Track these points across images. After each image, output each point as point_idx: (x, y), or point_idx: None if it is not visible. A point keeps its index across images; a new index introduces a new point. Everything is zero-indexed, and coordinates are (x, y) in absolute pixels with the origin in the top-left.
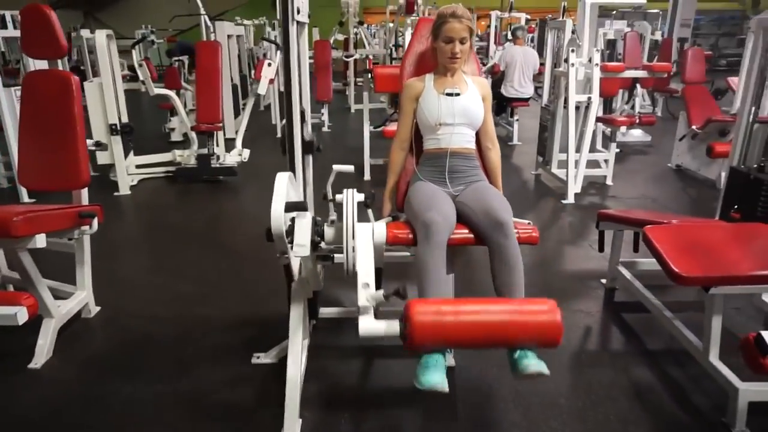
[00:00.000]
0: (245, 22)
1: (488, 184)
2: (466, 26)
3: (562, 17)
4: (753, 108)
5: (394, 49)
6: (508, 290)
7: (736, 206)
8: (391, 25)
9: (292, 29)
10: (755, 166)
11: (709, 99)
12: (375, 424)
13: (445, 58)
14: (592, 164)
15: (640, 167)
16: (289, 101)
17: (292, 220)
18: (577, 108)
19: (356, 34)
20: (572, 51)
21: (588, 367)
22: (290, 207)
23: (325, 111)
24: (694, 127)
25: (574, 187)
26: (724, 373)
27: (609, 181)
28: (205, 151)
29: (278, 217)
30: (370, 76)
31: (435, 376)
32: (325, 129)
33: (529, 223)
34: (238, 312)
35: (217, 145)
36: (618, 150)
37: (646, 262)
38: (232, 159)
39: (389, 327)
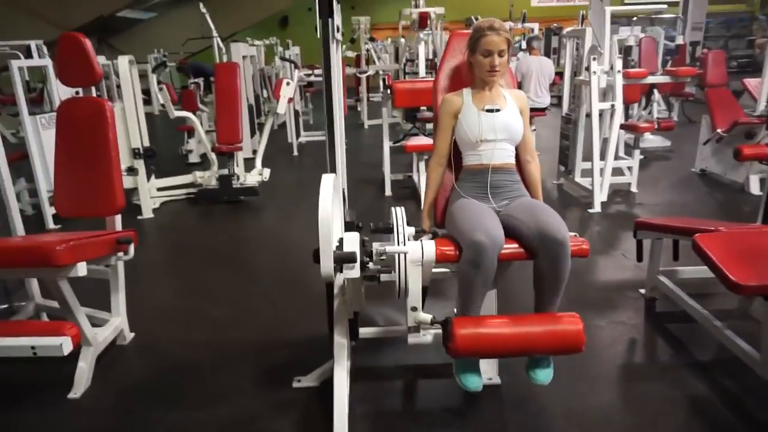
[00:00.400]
0: (256, 42)
1: (534, 199)
2: (504, 38)
3: (581, 25)
4: None
5: (406, 63)
6: (550, 304)
7: None
8: (403, 40)
9: (333, 48)
10: None
11: (732, 101)
12: None
13: (484, 72)
14: (616, 172)
15: (663, 173)
16: (330, 119)
17: (340, 240)
18: (600, 116)
19: (368, 50)
20: (594, 59)
21: (639, 381)
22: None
23: None
24: (719, 130)
25: (600, 196)
26: None
27: (634, 188)
28: (225, 171)
29: (327, 235)
30: (389, 91)
31: (473, 379)
32: None
33: (575, 235)
34: (273, 335)
35: (237, 166)
36: (642, 156)
37: (687, 270)
38: (252, 179)
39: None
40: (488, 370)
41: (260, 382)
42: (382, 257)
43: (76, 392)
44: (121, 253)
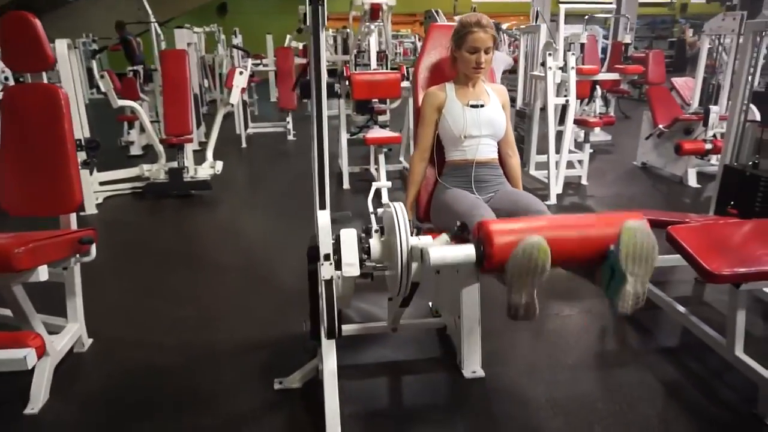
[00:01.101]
0: (195, 29)
1: (517, 189)
2: (490, 36)
3: (535, 22)
4: (744, 109)
5: (357, 55)
6: None
7: (732, 203)
8: (349, 30)
9: (323, 38)
10: (750, 163)
11: (671, 98)
12: None
13: (469, 68)
14: (567, 165)
15: (608, 166)
16: (319, 110)
17: (336, 237)
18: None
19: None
20: (549, 54)
21: (614, 368)
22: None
23: (290, 119)
24: (660, 126)
25: (556, 189)
26: (753, 366)
27: (584, 181)
28: (175, 164)
29: (328, 234)
30: (347, 83)
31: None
32: (291, 138)
33: None
34: (247, 335)
35: (187, 158)
36: (592, 150)
37: None
38: (204, 172)
39: (465, 252)
40: (472, 364)
41: (239, 385)
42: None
43: (34, 407)
44: (83, 255)
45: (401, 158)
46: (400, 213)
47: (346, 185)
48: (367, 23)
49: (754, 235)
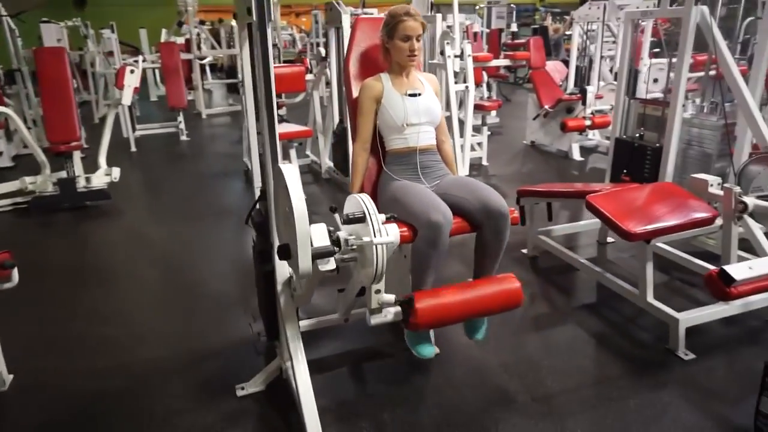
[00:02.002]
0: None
1: (464, 177)
2: (420, 23)
3: (430, 12)
4: (628, 88)
5: None
6: (492, 269)
7: (625, 170)
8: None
9: (269, 31)
10: (637, 135)
11: (552, 81)
12: (398, 426)
13: (404, 57)
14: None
15: (502, 147)
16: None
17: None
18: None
19: (198, 34)
20: (447, 44)
21: (549, 328)
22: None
23: (181, 119)
24: (546, 106)
25: (464, 170)
26: (664, 309)
27: (485, 162)
28: (63, 174)
29: (305, 230)
30: None
31: (428, 348)
32: (184, 138)
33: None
34: (189, 347)
35: (76, 167)
36: (489, 133)
37: (557, 229)
38: (100, 180)
39: (395, 316)
40: None
41: (198, 398)
42: (353, 247)
43: None
44: (5, 281)
45: (308, 152)
46: (370, 206)
47: (257, 183)
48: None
49: (654, 197)
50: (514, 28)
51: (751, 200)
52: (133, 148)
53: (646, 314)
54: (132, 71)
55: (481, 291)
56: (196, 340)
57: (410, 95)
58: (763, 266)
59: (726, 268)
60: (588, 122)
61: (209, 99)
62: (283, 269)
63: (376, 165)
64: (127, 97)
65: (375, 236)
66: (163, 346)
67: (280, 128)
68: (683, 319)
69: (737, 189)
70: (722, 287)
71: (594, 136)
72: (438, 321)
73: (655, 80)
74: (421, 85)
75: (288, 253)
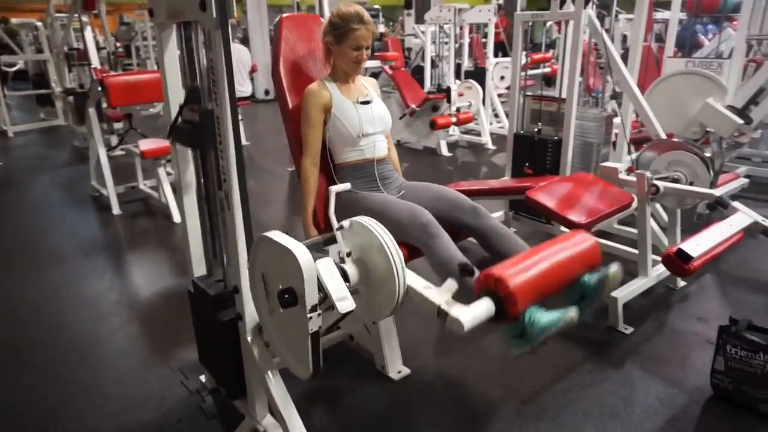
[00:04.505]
0: None
1: (421, 183)
2: (371, 32)
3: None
4: (521, 86)
5: (69, 52)
6: (521, 245)
7: (527, 164)
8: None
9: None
10: (536, 130)
11: (413, 81)
12: None
13: (350, 64)
14: None
15: None
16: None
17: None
18: None
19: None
20: None
21: (500, 327)
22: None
23: None
24: (413, 105)
25: None
26: None
27: None
28: None
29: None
30: (99, 87)
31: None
32: None
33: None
34: (116, 425)
35: None
36: None
37: None
38: None
39: (487, 308)
40: (396, 364)
41: None
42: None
43: None
44: None
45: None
46: (380, 230)
47: (116, 210)
48: (77, 14)
49: (579, 188)
50: (381, 29)
51: (661, 183)
52: None
53: None
54: None
55: (560, 250)
56: (122, 413)
57: (362, 103)
58: (708, 240)
59: (682, 246)
60: (454, 119)
61: (9, 114)
62: (253, 316)
63: (324, 180)
64: None
65: (393, 261)
66: (80, 429)
67: (145, 144)
68: (620, 296)
69: (649, 174)
70: (681, 265)
71: (454, 132)
72: (539, 295)
73: (502, 77)
74: (368, 91)
75: (294, 298)
